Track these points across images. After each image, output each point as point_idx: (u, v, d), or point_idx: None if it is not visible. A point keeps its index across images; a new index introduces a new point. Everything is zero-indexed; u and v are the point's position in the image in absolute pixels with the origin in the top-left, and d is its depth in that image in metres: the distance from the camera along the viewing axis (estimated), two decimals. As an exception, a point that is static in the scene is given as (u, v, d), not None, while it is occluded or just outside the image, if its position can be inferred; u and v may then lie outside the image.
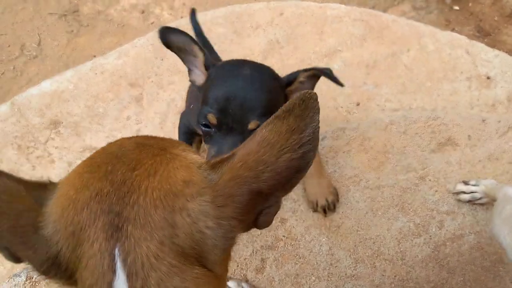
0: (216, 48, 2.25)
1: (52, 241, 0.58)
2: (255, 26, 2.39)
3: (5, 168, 1.89)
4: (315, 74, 1.28)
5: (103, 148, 0.67)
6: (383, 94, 2.17)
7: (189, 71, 1.31)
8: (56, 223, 0.58)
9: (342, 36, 2.35)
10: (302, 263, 1.55)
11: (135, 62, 2.26)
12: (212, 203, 0.59)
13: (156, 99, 2.13)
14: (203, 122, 1.17)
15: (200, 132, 1.25)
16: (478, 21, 2.82)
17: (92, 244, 0.55)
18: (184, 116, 1.65)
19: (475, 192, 1.58)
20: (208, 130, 1.18)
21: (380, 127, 1.77)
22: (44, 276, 0.60)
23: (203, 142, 1.28)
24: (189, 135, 1.59)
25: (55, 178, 1.78)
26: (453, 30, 2.69)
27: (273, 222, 1.54)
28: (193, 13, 1.84)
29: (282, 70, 2.22)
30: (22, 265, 0.84)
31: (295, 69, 2.22)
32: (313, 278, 1.53)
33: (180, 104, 2.09)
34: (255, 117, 1.14)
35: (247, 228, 0.67)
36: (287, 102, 0.61)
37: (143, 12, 2.85)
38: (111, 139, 1.83)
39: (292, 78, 1.27)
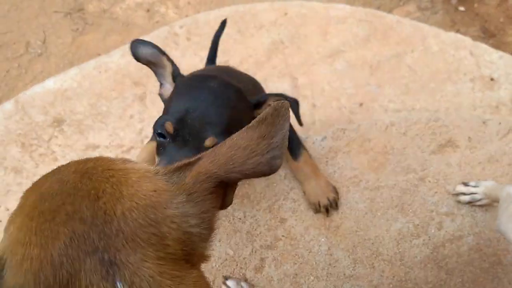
0: (219, 47, 2.26)
1: None
2: (259, 26, 2.39)
3: (9, 165, 1.90)
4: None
5: (36, 193, 0.60)
6: (386, 94, 2.17)
7: (161, 85, 1.29)
8: None
9: (346, 37, 2.36)
10: (301, 263, 1.55)
11: (139, 61, 2.26)
12: (189, 202, 0.60)
13: (159, 98, 2.14)
14: (159, 131, 1.10)
15: None
16: (484, 22, 2.81)
17: None
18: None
19: (475, 194, 1.58)
20: (163, 141, 1.11)
21: (380, 128, 1.77)
22: None
23: None
24: None
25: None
26: (458, 31, 2.69)
27: (273, 221, 1.55)
28: (223, 24, 1.89)
29: (286, 70, 2.25)
30: None
31: (299, 69, 2.24)
32: (311, 278, 1.53)
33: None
34: (213, 133, 1.08)
35: (219, 210, 0.68)
36: (261, 113, 0.63)
37: (148, 10, 2.86)
38: (114, 137, 1.84)
39: (261, 101, 1.22)
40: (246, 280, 1.53)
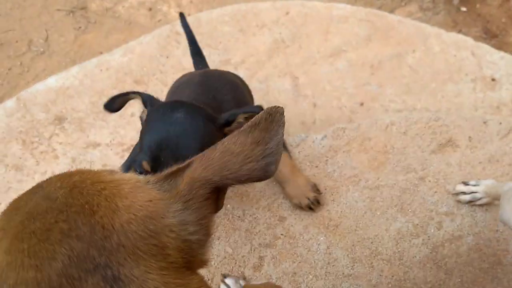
0: (221, 46, 2.27)
1: None
2: (260, 25, 2.39)
3: (10, 163, 1.91)
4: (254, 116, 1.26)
5: (20, 213, 0.56)
6: (387, 94, 2.17)
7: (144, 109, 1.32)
8: None
9: (347, 36, 2.36)
10: (299, 262, 1.55)
11: (140, 59, 2.27)
12: (186, 209, 0.59)
13: (161, 97, 2.13)
14: (139, 170, 1.14)
15: None
16: (486, 23, 2.81)
17: None
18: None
19: (475, 192, 1.58)
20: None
21: (380, 127, 1.77)
22: None
23: None
24: None
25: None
26: (460, 31, 2.69)
27: (272, 220, 1.55)
28: (182, 17, 1.85)
29: (287, 69, 2.25)
30: None
31: (300, 69, 2.24)
32: (310, 276, 1.53)
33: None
34: None
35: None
36: (254, 117, 0.62)
37: (150, 9, 2.87)
38: (115, 136, 1.84)
39: (230, 119, 1.23)
40: (244, 278, 1.53)
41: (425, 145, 1.72)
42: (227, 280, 1.49)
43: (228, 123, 1.23)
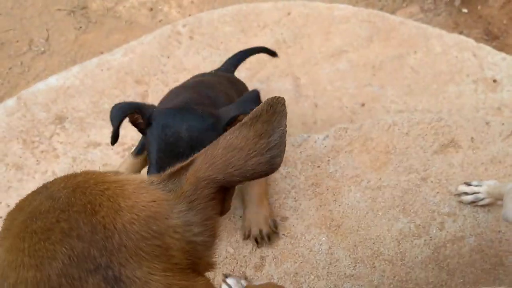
0: (222, 47, 2.27)
1: None
2: (262, 26, 2.39)
3: (10, 162, 1.90)
4: None
5: (24, 213, 0.56)
6: (389, 95, 2.17)
7: None
8: None
9: (348, 37, 2.35)
10: (301, 262, 1.55)
11: (141, 59, 2.26)
12: (190, 210, 0.58)
13: (162, 97, 2.14)
14: None
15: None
16: (487, 24, 2.81)
17: None
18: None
19: (478, 193, 1.57)
20: None
21: (382, 127, 1.76)
22: None
23: None
24: None
25: (59, 173, 1.79)
26: (461, 32, 2.69)
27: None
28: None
29: (288, 69, 2.25)
30: None
31: (301, 69, 2.24)
32: (312, 277, 1.53)
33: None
34: None
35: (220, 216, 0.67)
36: (255, 109, 0.61)
37: (151, 9, 2.87)
38: (115, 135, 1.81)
39: (232, 120, 1.21)
40: (246, 278, 1.52)
41: (427, 145, 1.71)
42: (229, 280, 1.49)
43: (230, 123, 1.21)
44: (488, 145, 1.71)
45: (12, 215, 0.58)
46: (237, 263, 1.56)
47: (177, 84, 2.14)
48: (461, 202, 1.61)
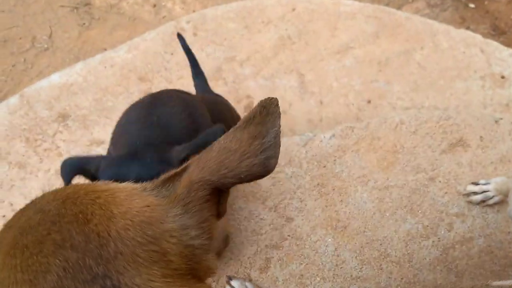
0: (226, 43, 2.24)
1: None
2: (266, 22, 2.36)
3: (13, 160, 1.89)
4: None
5: (13, 229, 0.54)
6: (395, 92, 2.15)
7: None
8: None
9: (354, 33, 2.33)
10: (307, 263, 1.53)
11: (145, 56, 2.25)
12: (185, 213, 0.57)
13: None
14: None
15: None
16: (494, 20, 2.78)
17: None
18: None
19: (487, 191, 1.55)
20: None
21: (390, 126, 1.74)
22: None
23: None
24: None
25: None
26: (468, 28, 2.66)
27: (278, 220, 1.53)
28: (181, 39, 1.76)
29: (293, 66, 2.23)
30: None
31: (306, 66, 2.21)
32: (318, 279, 1.51)
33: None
34: None
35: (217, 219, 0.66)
36: (248, 112, 0.60)
37: (154, 6, 2.85)
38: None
39: (184, 159, 1.12)
40: (250, 280, 1.51)
41: (436, 144, 1.69)
42: (233, 282, 1.47)
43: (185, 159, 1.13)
44: (497, 143, 1.68)
45: (1, 234, 0.56)
46: (241, 264, 1.54)
47: (181, 81, 2.13)
48: (470, 202, 1.58)
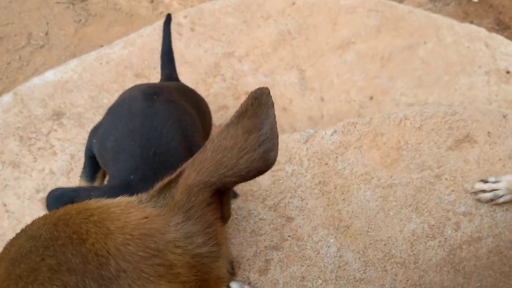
0: (224, 38, 2.20)
1: None
2: (265, 16, 2.33)
3: (6, 159, 1.85)
4: None
5: (5, 261, 0.51)
6: (398, 87, 2.11)
7: None
8: None
9: (356, 27, 2.29)
10: (308, 265, 1.50)
11: (141, 52, 2.20)
12: (188, 220, 0.53)
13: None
14: None
15: None
16: (498, 14, 2.74)
17: None
18: (94, 133, 1.44)
19: (497, 190, 1.51)
20: None
21: (393, 122, 1.69)
22: None
23: None
24: (95, 159, 1.40)
25: (56, 171, 1.70)
26: (471, 22, 2.62)
27: (279, 220, 1.48)
28: (167, 21, 1.75)
29: (293, 61, 2.18)
30: None
31: (307, 61, 2.17)
32: (320, 281, 1.47)
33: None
34: None
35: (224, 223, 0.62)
36: (240, 106, 0.58)
37: (152, 1, 2.81)
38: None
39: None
40: (249, 283, 1.48)
41: (441, 141, 1.65)
42: (232, 285, 1.44)
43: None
44: (506, 139, 1.64)
45: None
46: (240, 266, 1.51)
47: (179, 77, 2.08)
48: (478, 200, 1.54)
